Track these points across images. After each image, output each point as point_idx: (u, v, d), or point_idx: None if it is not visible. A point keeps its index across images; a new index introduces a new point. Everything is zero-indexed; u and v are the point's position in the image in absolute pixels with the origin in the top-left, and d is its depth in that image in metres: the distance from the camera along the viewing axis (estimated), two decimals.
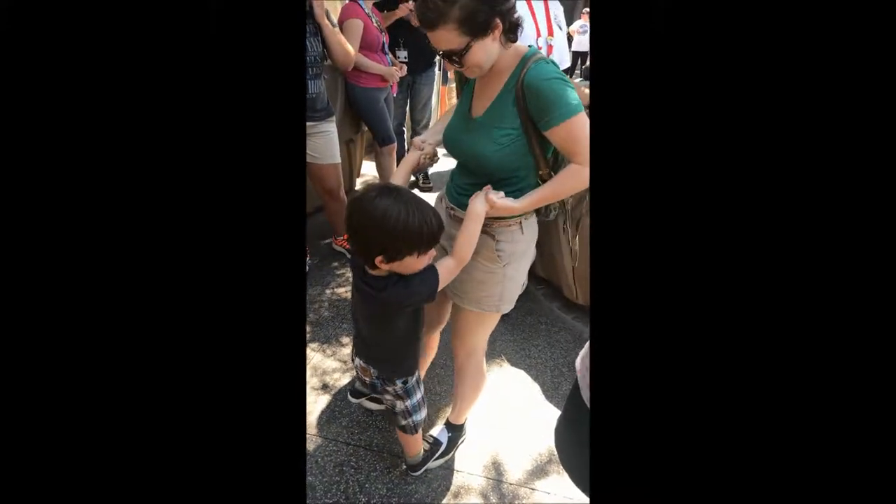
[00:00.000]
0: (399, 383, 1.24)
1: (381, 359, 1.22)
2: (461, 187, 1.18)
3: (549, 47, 1.70)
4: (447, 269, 1.08)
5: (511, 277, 1.21)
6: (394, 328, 1.14)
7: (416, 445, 1.45)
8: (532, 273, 2.36)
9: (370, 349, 1.22)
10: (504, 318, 2.20)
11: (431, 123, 3.46)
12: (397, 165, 2.28)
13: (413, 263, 1.01)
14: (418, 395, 1.29)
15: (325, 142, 2.15)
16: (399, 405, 1.28)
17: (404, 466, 1.49)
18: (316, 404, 1.71)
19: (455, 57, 0.99)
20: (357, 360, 1.27)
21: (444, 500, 1.44)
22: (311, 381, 1.80)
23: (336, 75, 2.61)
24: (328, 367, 1.86)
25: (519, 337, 2.10)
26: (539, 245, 2.28)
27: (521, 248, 1.19)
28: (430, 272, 1.06)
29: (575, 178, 1.04)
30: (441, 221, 1.02)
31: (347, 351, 1.94)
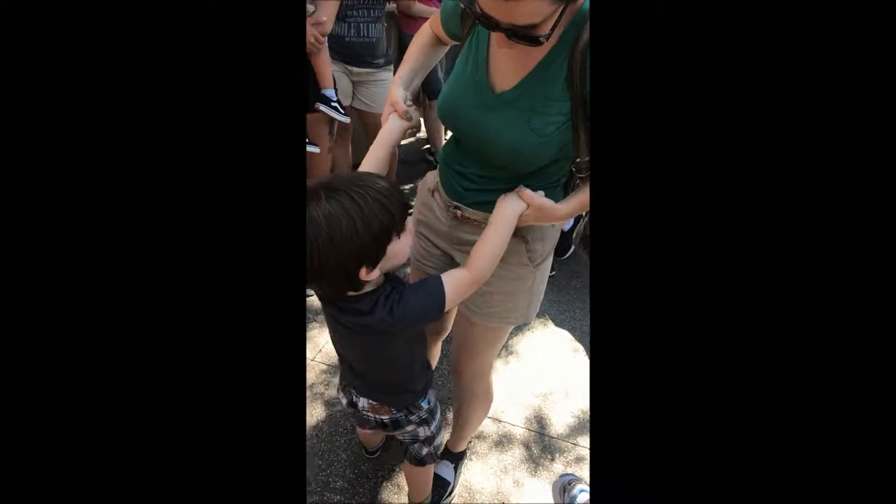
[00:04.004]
0: (424, 405, 1.04)
1: (393, 389, 0.99)
2: (472, 180, 0.90)
3: None
4: (458, 285, 0.82)
5: (541, 279, 0.99)
6: (395, 350, 0.91)
7: (429, 481, 1.28)
8: (582, 236, 2.35)
9: (375, 384, 0.99)
10: (550, 279, 2.20)
11: None
12: None
13: (399, 248, 0.78)
14: (438, 413, 1.11)
15: (382, 91, 2.13)
16: (423, 432, 1.07)
17: None
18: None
19: (541, 38, 0.68)
20: (361, 403, 1.01)
21: (487, 448, 1.50)
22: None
23: (391, 23, 2.56)
24: None
25: (564, 298, 2.12)
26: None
27: (553, 242, 0.97)
28: (435, 286, 0.81)
29: None
30: (398, 187, 0.78)
31: None
